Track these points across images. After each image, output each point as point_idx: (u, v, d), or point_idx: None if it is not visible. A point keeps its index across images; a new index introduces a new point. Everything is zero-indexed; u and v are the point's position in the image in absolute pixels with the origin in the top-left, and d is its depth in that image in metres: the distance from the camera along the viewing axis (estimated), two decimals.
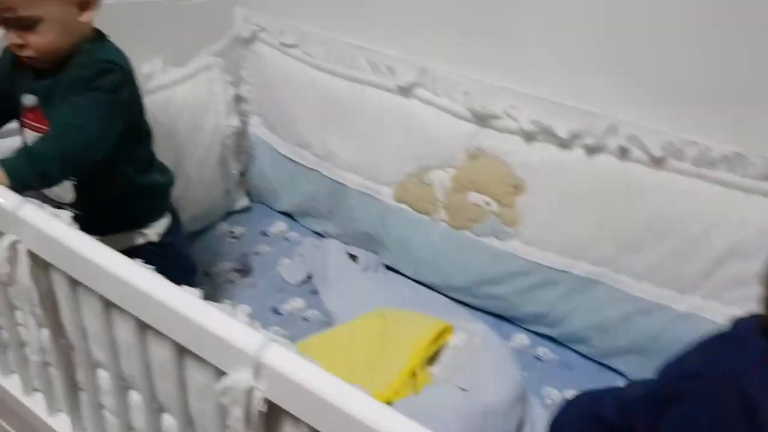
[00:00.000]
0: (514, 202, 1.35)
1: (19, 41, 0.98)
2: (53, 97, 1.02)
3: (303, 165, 1.65)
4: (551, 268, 1.35)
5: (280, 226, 1.74)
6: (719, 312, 1.22)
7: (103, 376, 0.95)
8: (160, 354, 0.80)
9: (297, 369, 0.65)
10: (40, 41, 0.98)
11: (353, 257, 1.59)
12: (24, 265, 0.86)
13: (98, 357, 0.93)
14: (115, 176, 1.09)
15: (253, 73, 1.68)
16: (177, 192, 1.27)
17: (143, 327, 0.80)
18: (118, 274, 0.78)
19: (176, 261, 1.22)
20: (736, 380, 0.63)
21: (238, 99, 1.68)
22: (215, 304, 0.73)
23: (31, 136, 1.06)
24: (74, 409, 1.04)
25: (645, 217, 1.24)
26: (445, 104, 1.39)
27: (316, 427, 0.65)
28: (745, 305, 0.73)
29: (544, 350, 1.42)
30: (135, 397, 0.93)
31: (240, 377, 0.67)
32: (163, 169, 1.23)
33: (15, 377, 1.13)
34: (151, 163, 1.19)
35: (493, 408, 1.09)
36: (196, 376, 0.78)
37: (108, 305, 0.83)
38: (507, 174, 1.34)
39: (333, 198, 1.61)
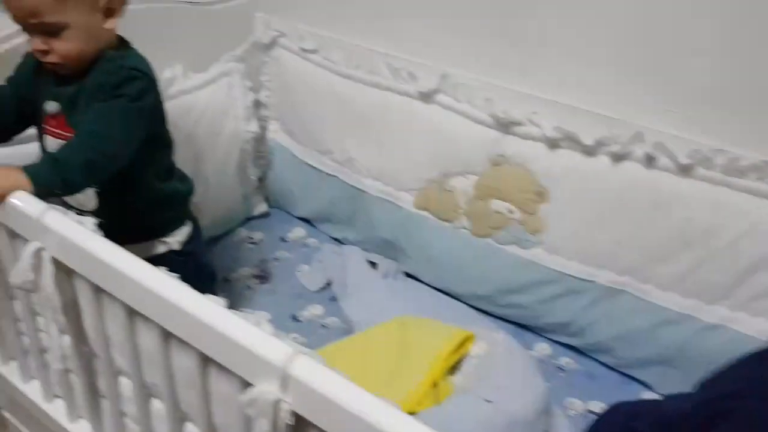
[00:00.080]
0: (537, 209, 1.33)
1: (43, 47, 0.97)
2: (77, 103, 1.01)
3: (322, 171, 1.64)
4: (575, 277, 1.33)
5: (298, 232, 1.73)
6: (747, 323, 1.20)
7: (125, 384, 0.95)
8: (184, 363, 0.79)
9: (325, 381, 0.64)
10: (65, 48, 0.97)
11: (373, 264, 1.58)
12: (48, 273, 0.86)
13: (121, 365, 0.92)
14: (137, 184, 1.09)
15: (272, 79, 1.68)
16: (196, 197, 1.26)
17: (167, 336, 0.79)
18: (143, 282, 0.78)
19: (197, 269, 1.22)
20: None
21: (258, 104, 1.68)
22: (241, 313, 0.73)
23: (52, 143, 1.06)
24: (95, 417, 1.03)
25: (672, 226, 1.22)
26: (467, 110, 1.37)
27: None
28: None
29: (567, 360, 1.39)
30: (157, 405, 0.92)
31: (267, 389, 0.66)
32: (183, 177, 1.23)
33: (36, 383, 1.13)
34: (171, 171, 1.19)
35: (519, 420, 1.07)
36: (220, 386, 0.77)
37: (132, 313, 0.82)
38: (530, 181, 1.32)
39: (352, 204, 1.60)
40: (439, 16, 1.41)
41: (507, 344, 1.24)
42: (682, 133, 1.18)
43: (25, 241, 0.88)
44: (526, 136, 1.32)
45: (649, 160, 1.21)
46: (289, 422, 0.66)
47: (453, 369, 1.21)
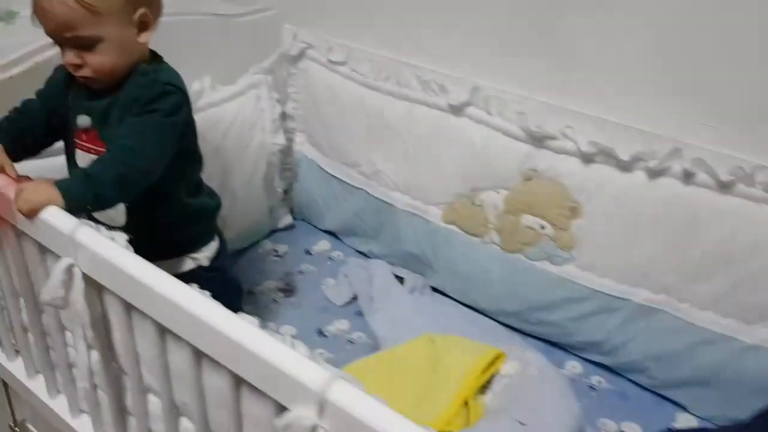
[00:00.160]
0: (570, 225, 1.30)
1: (77, 61, 0.96)
2: (109, 117, 1.01)
3: (349, 183, 1.62)
4: (609, 294, 1.30)
5: (324, 244, 1.72)
6: None
7: (154, 402, 0.93)
8: (216, 383, 0.77)
9: (364, 408, 0.62)
10: (98, 61, 0.96)
11: (399, 279, 1.56)
12: (78, 289, 0.85)
13: (149, 382, 0.91)
14: (167, 199, 1.08)
15: (299, 91, 1.67)
16: (223, 210, 1.25)
17: (199, 355, 0.77)
18: (174, 299, 0.76)
19: (224, 283, 1.21)
20: None
21: (285, 116, 1.67)
22: (276, 335, 0.71)
23: (83, 157, 1.05)
24: None
25: (710, 244, 1.18)
26: (499, 124, 1.35)
27: None
28: None
29: (599, 379, 1.36)
30: (186, 424, 0.90)
31: (303, 414, 0.64)
32: (211, 193, 1.22)
33: (62, 398, 1.12)
34: (200, 186, 1.18)
35: None
36: (253, 408, 0.75)
37: (163, 331, 0.81)
38: (563, 196, 1.29)
39: (379, 217, 1.58)
40: (469, 27, 1.39)
41: (539, 364, 1.21)
42: (721, 148, 1.15)
43: (56, 257, 0.87)
44: (559, 150, 1.29)
45: (687, 177, 1.18)
46: None
47: (483, 388, 1.18)
